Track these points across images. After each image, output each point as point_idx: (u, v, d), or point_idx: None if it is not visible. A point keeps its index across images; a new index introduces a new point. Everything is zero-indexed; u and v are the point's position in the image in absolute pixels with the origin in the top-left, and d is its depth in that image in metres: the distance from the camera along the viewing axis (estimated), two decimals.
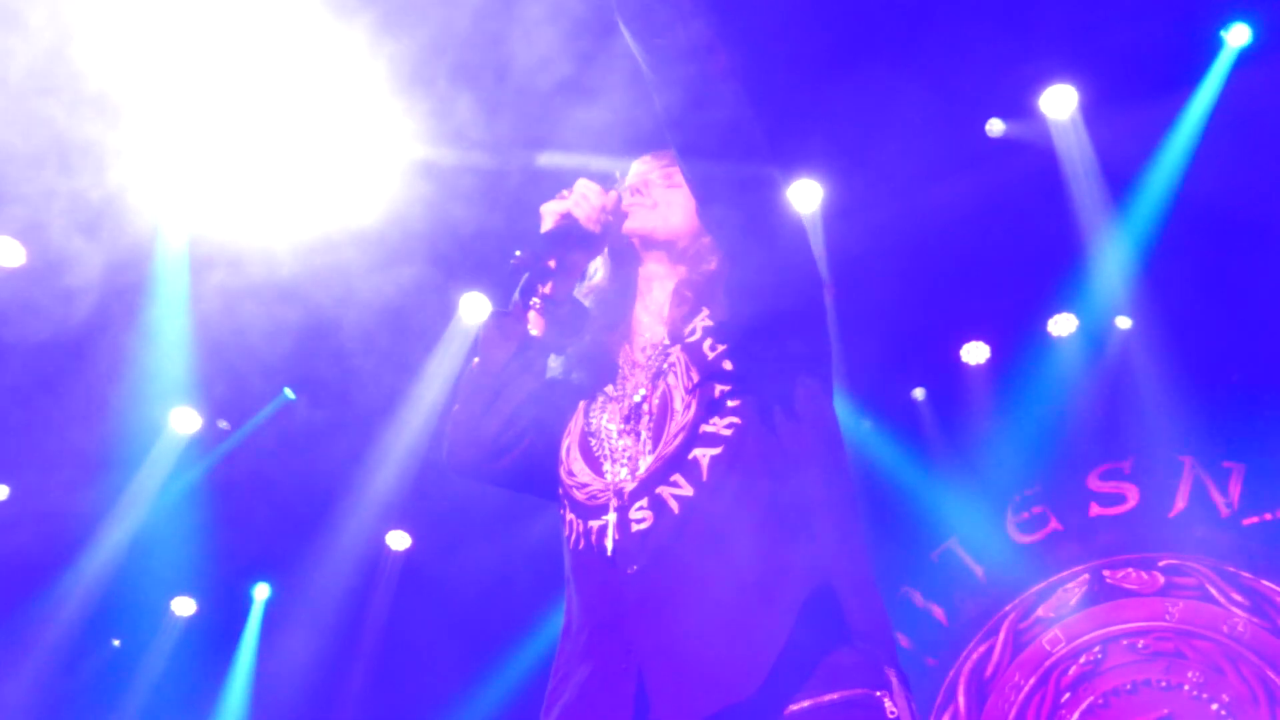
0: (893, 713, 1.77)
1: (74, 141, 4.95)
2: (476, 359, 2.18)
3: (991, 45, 5.34)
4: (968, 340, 6.67)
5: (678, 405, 1.98)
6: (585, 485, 2.02)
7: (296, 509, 7.04)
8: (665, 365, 2.07)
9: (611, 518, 1.93)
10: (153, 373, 6.01)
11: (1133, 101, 5.59)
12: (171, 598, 7.68)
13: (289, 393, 6.67)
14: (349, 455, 6.83)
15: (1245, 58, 5.31)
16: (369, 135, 5.27)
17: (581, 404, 2.14)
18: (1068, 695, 6.23)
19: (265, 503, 7.04)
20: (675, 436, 1.94)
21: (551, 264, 2.10)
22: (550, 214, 2.14)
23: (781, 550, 1.83)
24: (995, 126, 5.64)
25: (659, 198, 2.24)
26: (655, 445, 1.97)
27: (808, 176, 5.78)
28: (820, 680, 1.76)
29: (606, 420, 2.08)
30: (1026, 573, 6.43)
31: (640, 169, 2.34)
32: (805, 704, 1.74)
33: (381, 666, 7.78)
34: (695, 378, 1.98)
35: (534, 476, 2.16)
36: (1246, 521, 6.12)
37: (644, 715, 1.77)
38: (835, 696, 1.75)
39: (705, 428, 1.93)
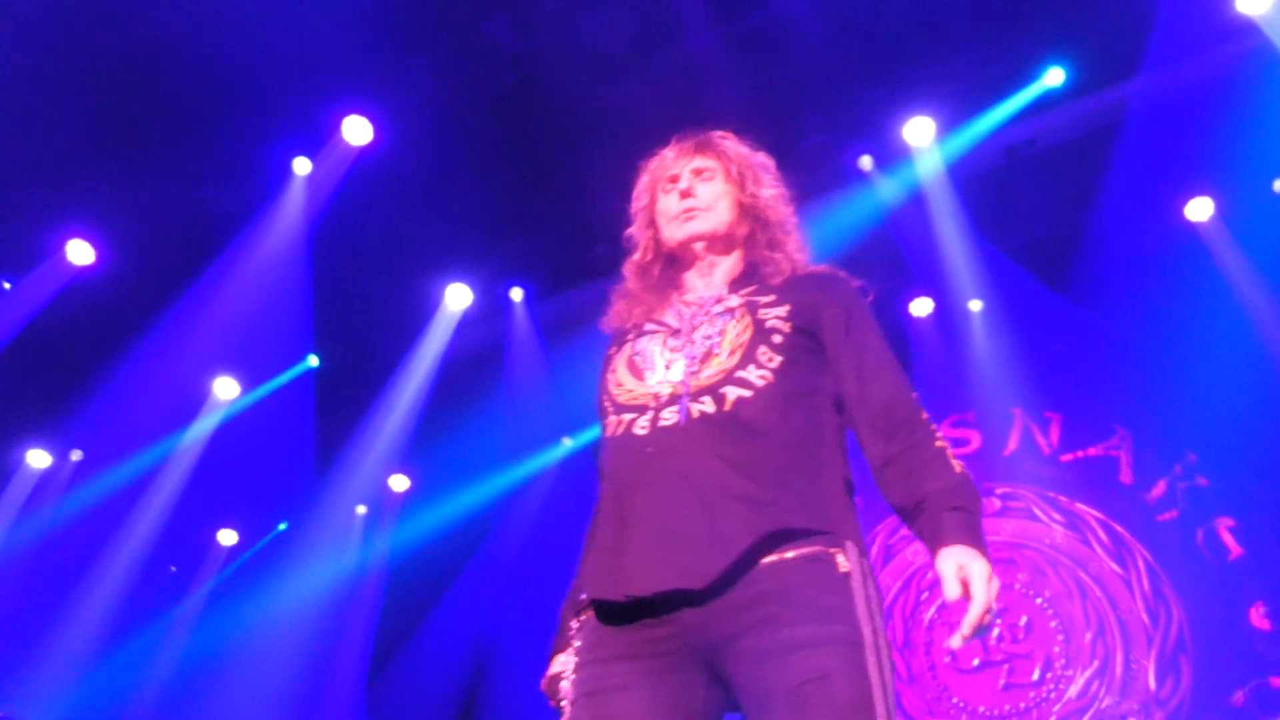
0: (844, 567, 1.92)
1: None
2: None
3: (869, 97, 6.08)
4: None
5: (725, 346, 2.09)
6: (629, 390, 2.14)
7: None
8: (723, 309, 2.17)
9: (648, 415, 2.06)
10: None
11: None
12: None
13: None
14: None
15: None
16: None
17: (630, 339, 2.24)
18: (926, 594, 6.75)
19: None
20: (716, 374, 2.06)
21: None
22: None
23: (774, 470, 1.98)
24: (865, 161, 6.29)
25: (705, 198, 2.28)
26: (698, 368, 2.09)
27: None
28: (782, 544, 1.90)
29: (650, 343, 2.19)
30: None
31: (674, 166, 2.34)
32: (772, 558, 1.89)
33: None
34: (749, 335, 2.10)
35: None
36: (1064, 458, 6.79)
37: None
38: (793, 554, 1.90)
39: (741, 374, 2.05)
